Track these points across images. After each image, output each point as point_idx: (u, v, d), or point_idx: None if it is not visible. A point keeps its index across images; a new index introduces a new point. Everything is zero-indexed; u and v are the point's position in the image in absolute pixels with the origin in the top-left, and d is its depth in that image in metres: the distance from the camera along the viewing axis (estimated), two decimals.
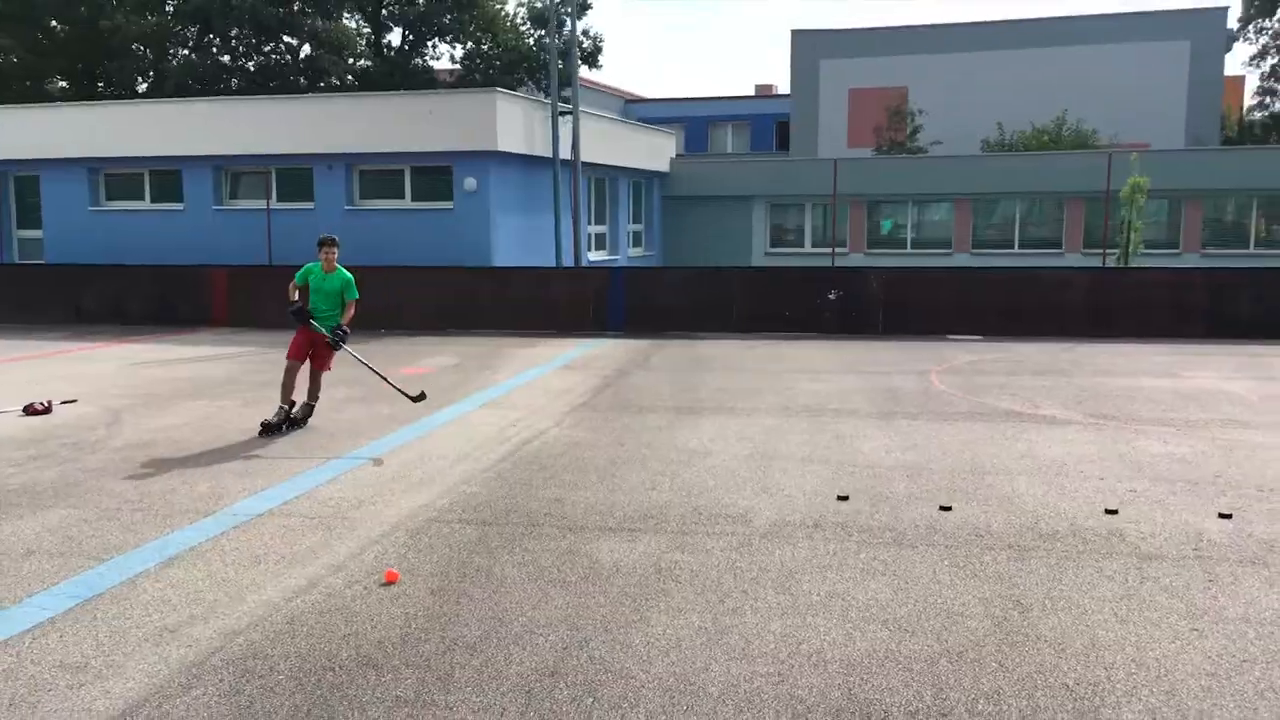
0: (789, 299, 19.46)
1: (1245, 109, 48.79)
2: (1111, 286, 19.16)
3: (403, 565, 6.01)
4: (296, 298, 10.16)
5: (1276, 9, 46.68)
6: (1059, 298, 18.72)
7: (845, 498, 7.29)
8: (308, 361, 10.27)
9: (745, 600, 5.40)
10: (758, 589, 5.55)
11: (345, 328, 10.16)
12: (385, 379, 10.66)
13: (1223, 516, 6.75)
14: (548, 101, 25.75)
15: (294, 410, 10.11)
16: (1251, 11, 46.32)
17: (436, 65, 41.10)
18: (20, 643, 4.99)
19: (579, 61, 28.95)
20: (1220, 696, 4.26)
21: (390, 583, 5.79)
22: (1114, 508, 7.03)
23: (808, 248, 33.67)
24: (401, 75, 37.12)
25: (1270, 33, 47.32)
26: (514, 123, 23.76)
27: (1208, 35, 41.81)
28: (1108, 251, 27.56)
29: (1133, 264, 24.58)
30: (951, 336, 17.80)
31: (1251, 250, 30.79)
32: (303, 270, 10.24)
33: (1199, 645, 4.79)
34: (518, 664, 4.67)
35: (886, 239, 33.39)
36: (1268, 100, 50.09)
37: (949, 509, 6.86)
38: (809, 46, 40.53)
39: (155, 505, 7.28)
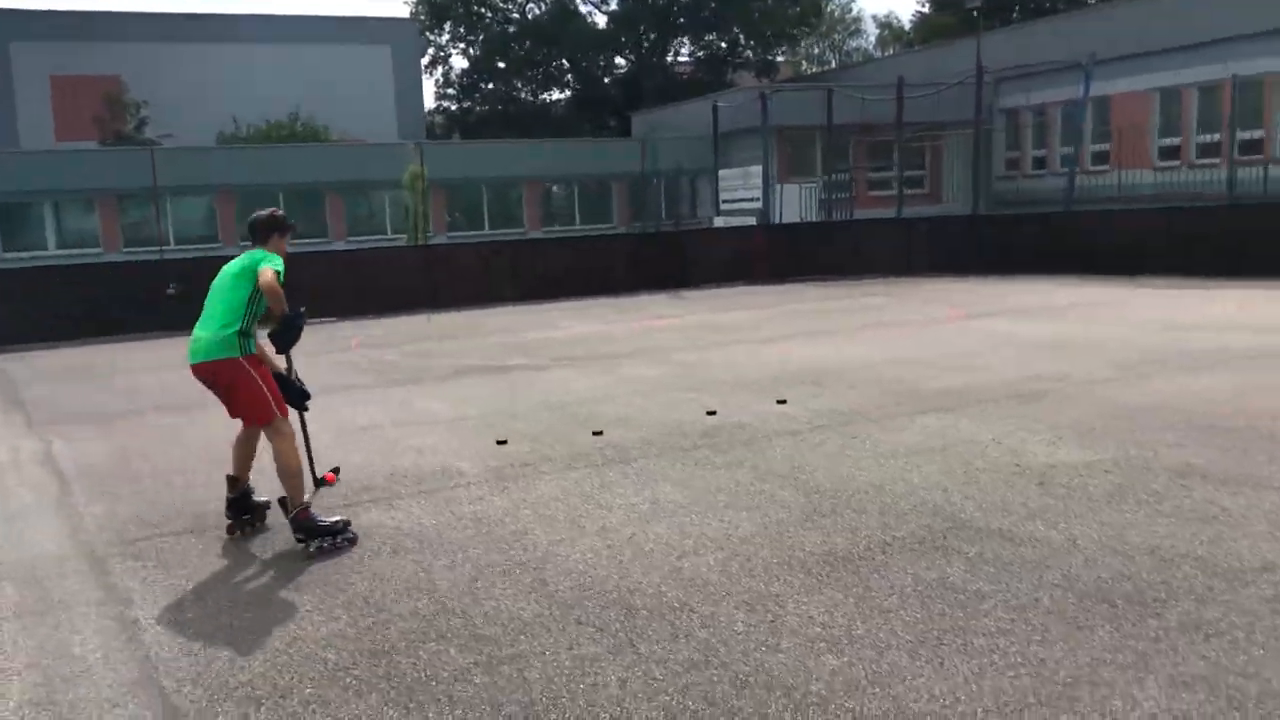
0: None
1: (428, 110, 52.61)
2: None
3: None
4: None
5: (445, 22, 51.25)
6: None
7: None
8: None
9: None
10: None
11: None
12: None
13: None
14: None
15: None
16: (422, 23, 50.22)
17: None
18: None
19: None
20: None
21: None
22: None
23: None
24: None
25: (435, 45, 51.84)
26: None
27: (402, 43, 44.76)
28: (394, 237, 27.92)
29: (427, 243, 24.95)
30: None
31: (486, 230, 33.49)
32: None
33: None
34: None
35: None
36: (443, 104, 54.87)
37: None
38: None
39: None
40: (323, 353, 13.43)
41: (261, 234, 5.63)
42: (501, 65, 52.16)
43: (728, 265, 21.46)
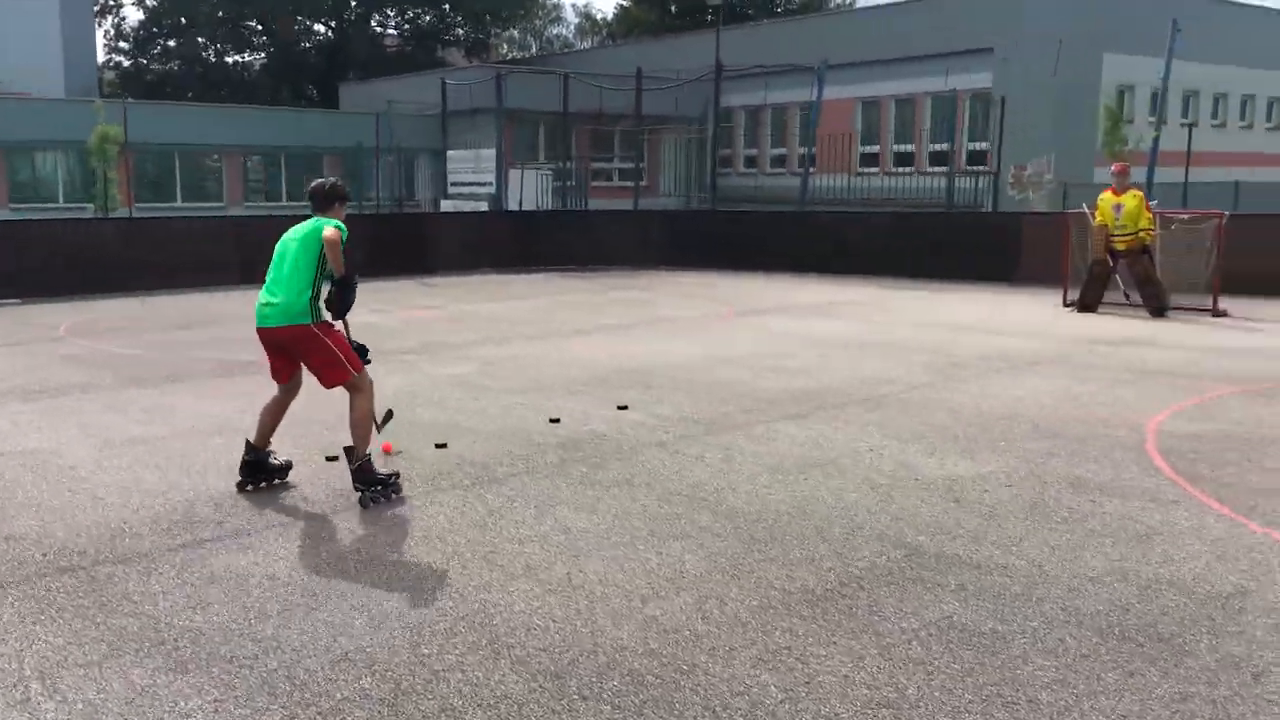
0: None
1: (100, 65, 47.33)
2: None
3: None
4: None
5: None
6: None
7: None
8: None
9: None
10: None
11: None
12: None
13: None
14: None
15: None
16: None
17: None
18: None
19: None
20: None
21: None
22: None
23: None
24: None
25: None
26: None
27: None
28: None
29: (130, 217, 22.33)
30: None
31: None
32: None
33: None
34: None
35: None
36: (114, 58, 49.60)
37: None
38: None
39: None
40: (23, 342, 11.47)
41: (323, 203, 5.70)
42: (183, 20, 47.75)
43: (468, 252, 20.56)
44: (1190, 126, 24.37)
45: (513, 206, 24.35)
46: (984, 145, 28.42)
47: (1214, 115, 32.71)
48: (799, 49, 29.99)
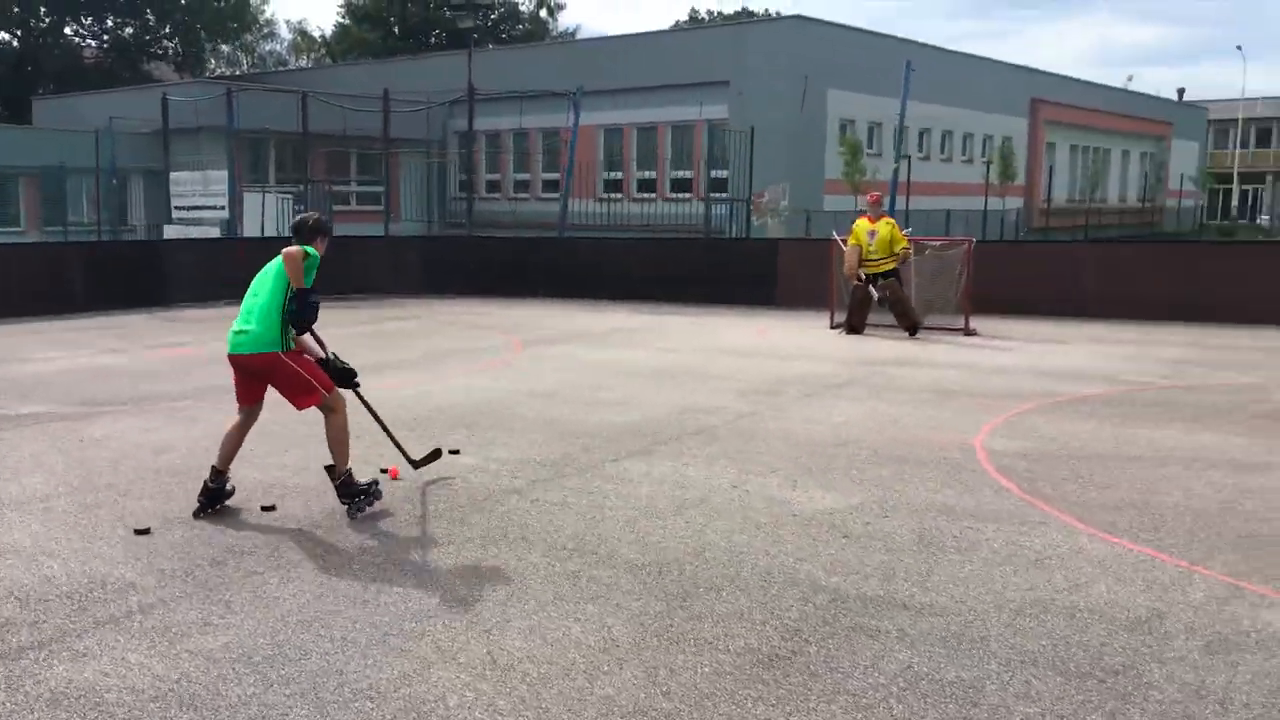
0: None
1: None
2: None
3: None
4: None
5: None
6: None
7: None
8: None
9: None
10: None
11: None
12: None
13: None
14: None
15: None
16: None
17: None
18: None
19: None
20: None
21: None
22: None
23: None
24: None
25: None
26: None
27: None
28: None
29: None
30: None
31: None
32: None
33: None
34: None
35: None
36: None
37: None
38: None
39: None
40: None
41: (307, 236, 5.79)
42: None
43: (206, 281, 18.88)
44: (906, 159, 26.28)
45: (249, 232, 22.75)
46: (724, 173, 29.50)
47: (920, 149, 35.53)
48: (539, 75, 30.02)
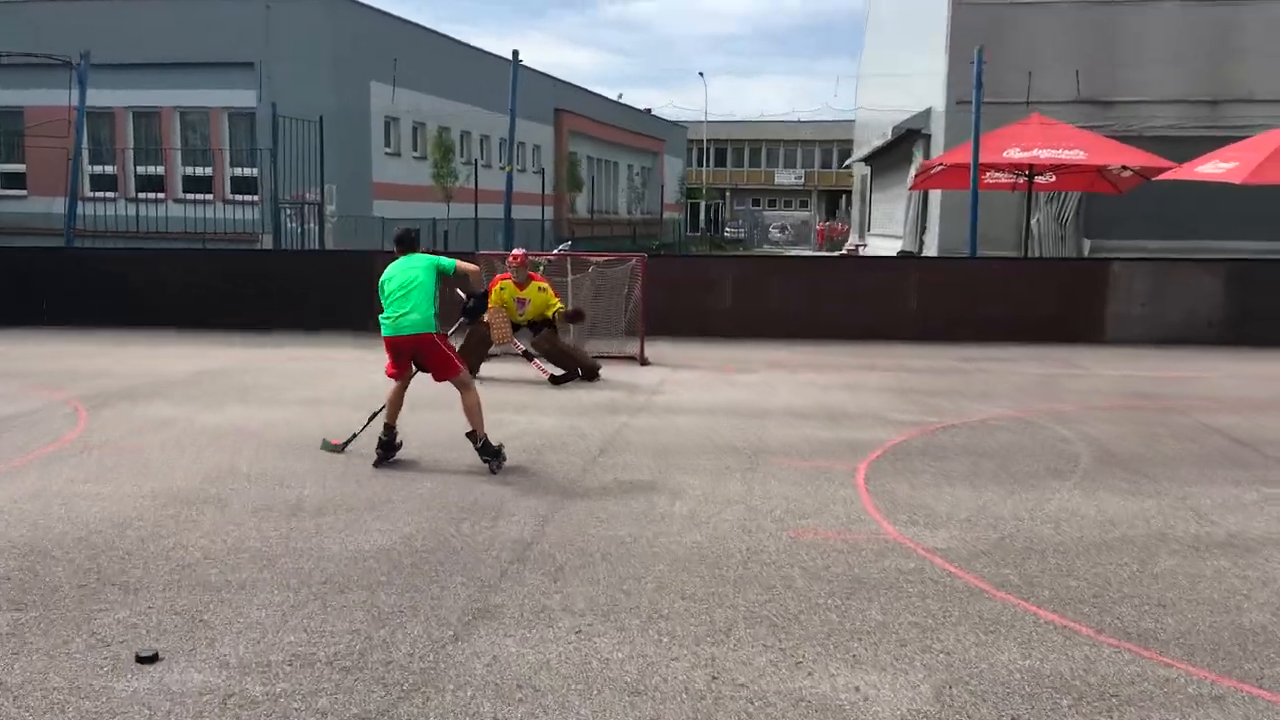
0: None
1: None
2: None
3: None
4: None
5: None
6: None
7: None
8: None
9: None
10: None
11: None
12: None
13: None
14: None
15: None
16: None
17: None
18: None
19: None
20: None
21: None
22: None
23: None
24: None
25: None
26: None
27: None
28: None
29: None
30: None
31: None
32: None
33: None
34: None
35: None
36: None
37: None
38: None
39: None
40: None
41: (412, 245, 7.42)
42: None
43: None
44: (476, 164, 24.10)
45: None
46: (251, 172, 25.15)
47: (462, 152, 33.49)
48: (19, 36, 23.65)
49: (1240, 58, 20.34)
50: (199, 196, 25.79)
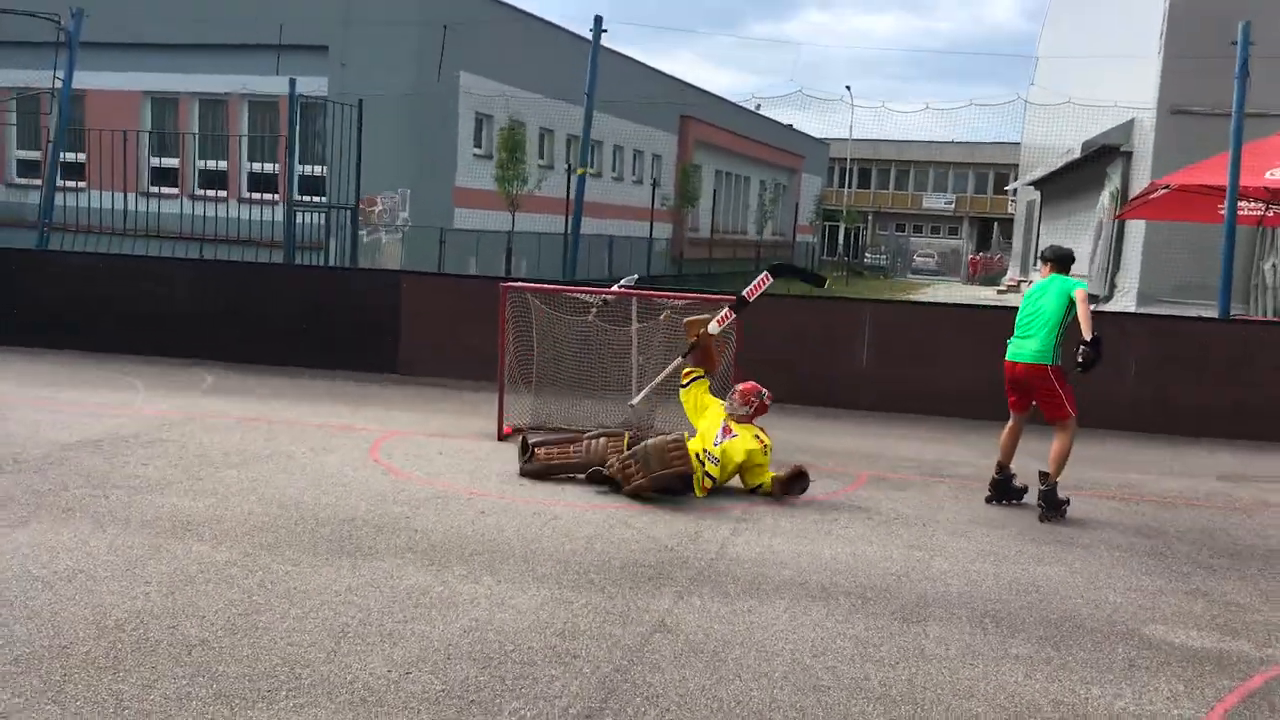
0: None
1: None
2: None
3: None
4: None
5: None
6: None
7: None
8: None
9: None
10: None
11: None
12: None
13: None
14: None
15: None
16: None
17: None
18: None
19: None
20: None
21: None
22: None
23: None
24: None
25: None
26: None
27: None
28: None
29: None
30: None
31: None
32: None
33: None
34: None
35: None
36: None
37: None
38: None
39: None
40: None
41: (1065, 265, 7.04)
42: None
43: None
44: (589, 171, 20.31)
45: None
46: (320, 170, 21.94)
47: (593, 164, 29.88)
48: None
49: None
50: (265, 196, 22.69)
